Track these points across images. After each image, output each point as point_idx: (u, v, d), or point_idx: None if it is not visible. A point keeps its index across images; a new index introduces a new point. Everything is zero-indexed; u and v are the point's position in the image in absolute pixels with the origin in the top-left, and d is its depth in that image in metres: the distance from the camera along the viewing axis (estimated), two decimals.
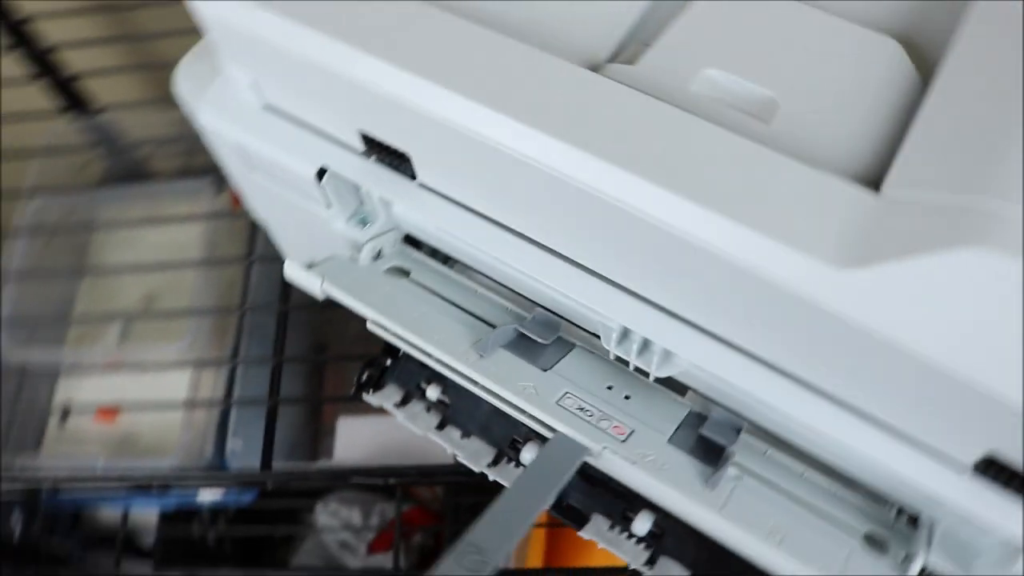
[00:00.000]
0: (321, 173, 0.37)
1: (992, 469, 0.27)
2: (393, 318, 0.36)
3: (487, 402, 0.41)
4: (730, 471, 0.33)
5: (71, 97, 0.85)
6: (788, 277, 0.25)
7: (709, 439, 0.33)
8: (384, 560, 1.05)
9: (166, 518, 1.03)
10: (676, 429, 0.34)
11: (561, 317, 0.37)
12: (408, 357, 0.42)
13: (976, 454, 0.27)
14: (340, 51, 0.31)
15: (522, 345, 0.36)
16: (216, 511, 1.09)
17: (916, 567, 0.31)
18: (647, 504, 0.38)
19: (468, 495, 0.94)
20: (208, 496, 0.94)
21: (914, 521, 0.33)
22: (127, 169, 0.88)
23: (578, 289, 0.32)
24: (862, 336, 0.25)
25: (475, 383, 0.33)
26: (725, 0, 0.33)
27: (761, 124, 0.29)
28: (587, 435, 0.31)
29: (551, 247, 0.33)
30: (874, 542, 0.32)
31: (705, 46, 0.31)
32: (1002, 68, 0.28)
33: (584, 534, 0.38)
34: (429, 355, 0.35)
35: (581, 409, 0.33)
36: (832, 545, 0.31)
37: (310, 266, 0.39)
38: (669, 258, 0.28)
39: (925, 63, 0.31)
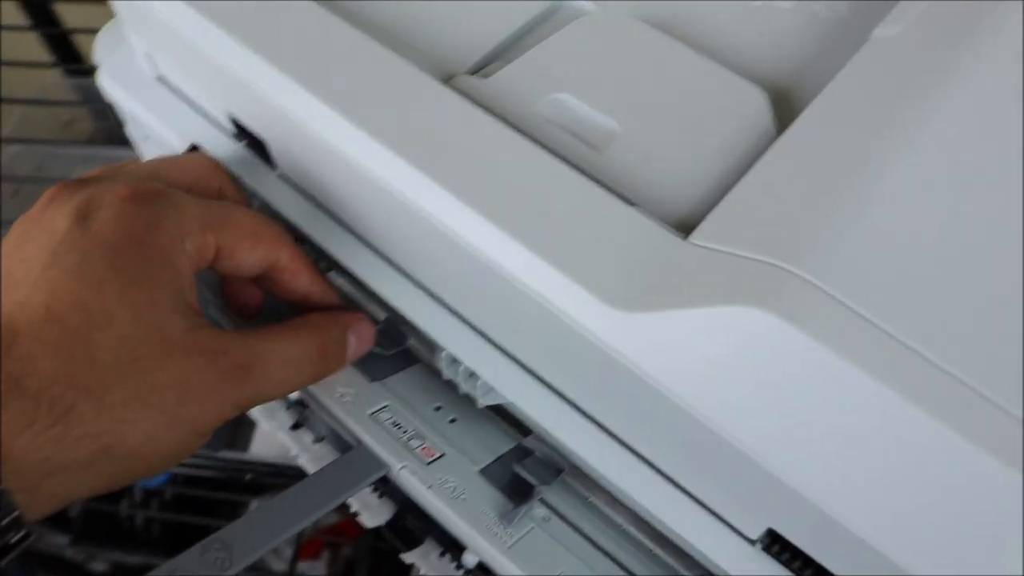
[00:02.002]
0: (192, 150, 0.36)
1: (776, 546, 0.26)
2: None
3: None
4: (539, 512, 0.31)
5: (65, 52, 0.86)
6: (567, 310, 0.24)
7: (521, 476, 0.32)
8: (310, 568, 1.04)
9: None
10: (494, 461, 0.33)
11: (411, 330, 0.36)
12: None
13: (759, 528, 0.26)
14: (202, 26, 0.31)
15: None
16: (149, 493, 1.08)
17: None
18: None
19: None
20: None
21: None
22: (112, 133, 0.88)
23: (407, 303, 0.31)
24: (639, 382, 0.24)
25: None
26: (601, 30, 0.32)
27: (593, 152, 0.28)
28: (390, 452, 0.30)
29: (383, 253, 0.32)
30: None
31: (564, 70, 0.30)
32: (849, 131, 0.27)
33: (408, 557, 0.37)
34: None
35: (395, 425, 0.32)
36: None
37: None
38: (474, 277, 0.27)
39: (792, 118, 0.30)
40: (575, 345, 0.25)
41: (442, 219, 0.26)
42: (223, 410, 0.26)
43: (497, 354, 0.30)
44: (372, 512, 0.38)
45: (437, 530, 0.37)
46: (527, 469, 0.31)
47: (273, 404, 0.41)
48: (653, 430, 0.26)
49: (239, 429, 0.96)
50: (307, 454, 0.39)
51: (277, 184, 0.34)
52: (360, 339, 0.31)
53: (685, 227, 0.26)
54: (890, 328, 0.21)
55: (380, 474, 0.30)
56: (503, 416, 0.34)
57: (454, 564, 0.37)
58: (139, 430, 0.24)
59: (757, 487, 0.23)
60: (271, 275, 0.30)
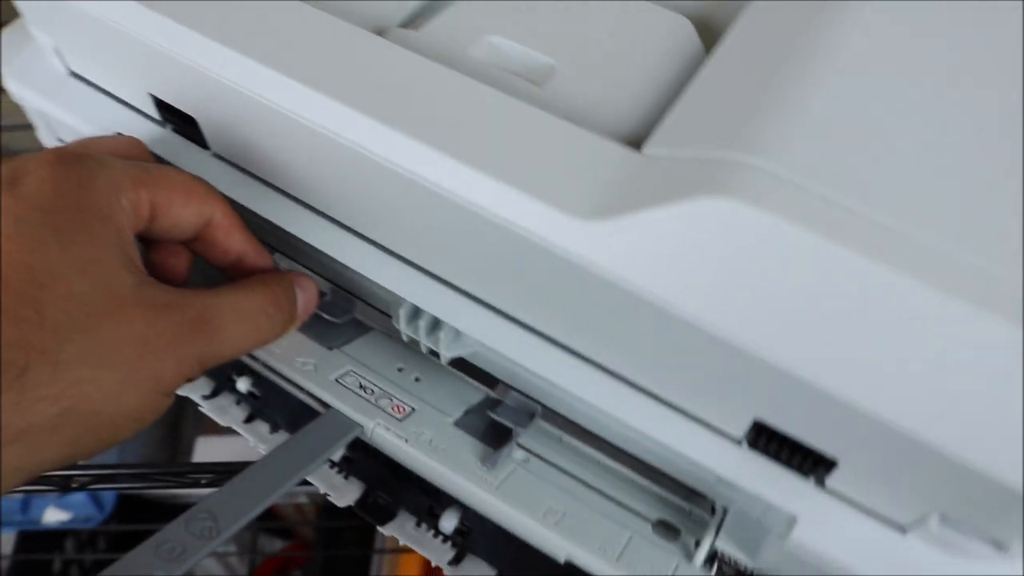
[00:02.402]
0: None
1: (763, 439, 0.26)
2: None
3: (294, 397, 0.39)
4: (517, 454, 0.31)
5: None
6: (534, 229, 0.24)
7: (497, 422, 0.32)
8: None
9: (25, 540, 0.97)
10: (465, 412, 0.33)
11: (358, 298, 0.35)
12: None
13: (744, 423, 0.26)
14: (121, 4, 0.30)
15: (314, 325, 0.34)
16: (93, 534, 1.03)
17: (702, 553, 0.30)
18: (454, 501, 0.37)
19: (342, 518, 0.91)
20: (54, 516, 0.89)
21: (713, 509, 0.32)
22: None
23: (359, 260, 0.31)
24: (612, 291, 0.24)
25: (255, 360, 0.32)
26: None
27: (534, 88, 0.28)
28: (362, 412, 0.30)
29: (332, 216, 0.31)
30: (667, 528, 0.31)
31: (492, 16, 0.31)
32: (774, 38, 0.28)
33: (386, 530, 0.36)
34: None
35: (361, 387, 0.32)
36: (614, 528, 0.30)
37: None
38: (435, 218, 0.27)
39: (716, 41, 0.31)
40: (543, 268, 0.25)
41: (398, 160, 0.26)
42: (183, 366, 0.25)
43: (460, 297, 0.30)
44: (340, 492, 0.37)
45: (410, 501, 0.37)
46: (502, 415, 0.32)
47: (225, 401, 0.40)
48: (630, 344, 0.26)
49: (179, 443, 0.92)
50: (266, 444, 0.38)
51: (212, 163, 0.33)
52: (307, 294, 0.30)
53: (635, 143, 0.26)
54: (848, 201, 0.22)
55: (353, 434, 0.29)
56: (467, 371, 0.34)
57: (431, 532, 0.36)
58: (99, 389, 0.23)
59: (741, 377, 0.24)
60: (206, 234, 0.29)
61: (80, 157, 0.25)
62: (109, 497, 0.98)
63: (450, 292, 0.30)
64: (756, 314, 0.23)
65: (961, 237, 0.22)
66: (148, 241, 0.29)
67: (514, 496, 0.29)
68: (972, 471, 0.21)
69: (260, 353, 0.32)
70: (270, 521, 1.11)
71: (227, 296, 0.27)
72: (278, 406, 0.39)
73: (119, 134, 0.35)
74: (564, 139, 0.26)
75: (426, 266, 0.30)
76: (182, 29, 0.29)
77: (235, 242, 0.29)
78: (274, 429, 0.39)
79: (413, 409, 0.31)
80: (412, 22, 0.32)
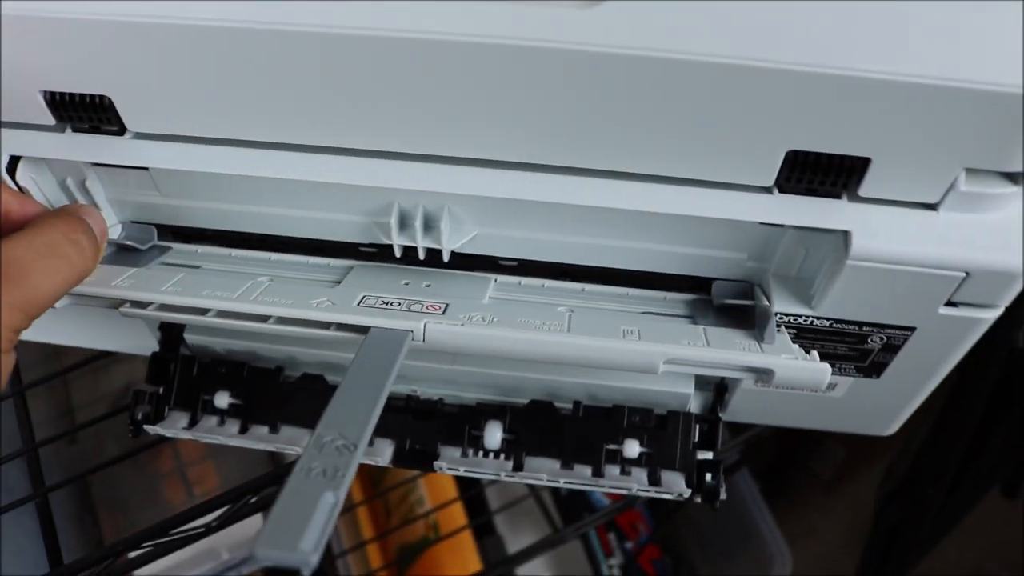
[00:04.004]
0: (13, 165, 0.31)
1: (796, 172, 0.28)
2: (155, 291, 0.30)
3: (283, 384, 0.36)
4: (559, 308, 0.31)
5: None
6: (539, 32, 0.25)
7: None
8: None
9: None
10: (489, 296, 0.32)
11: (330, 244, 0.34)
12: (183, 373, 0.37)
13: (775, 164, 0.27)
14: None
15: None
16: None
17: (772, 324, 0.30)
18: (489, 414, 0.35)
19: None
20: None
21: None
22: None
23: (340, 172, 0.29)
24: (634, 72, 0.25)
25: (263, 320, 0.29)
26: None
27: None
28: (401, 321, 0.28)
29: (293, 141, 0.29)
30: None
31: None
32: None
33: (440, 469, 0.35)
34: (204, 312, 0.29)
35: (386, 304, 0.30)
36: (686, 327, 0.31)
37: None
38: (433, 78, 0.26)
39: None
40: (558, 84, 0.25)
41: (391, 28, 0.25)
42: (10, 318, 0.25)
43: (453, 167, 0.29)
44: (374, 454, 0.35)
45: (443, 435, 0.35)
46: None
47: (208, 423, 0.36)
48: (652, 129, 0.27)
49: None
50: (276, 444, 0.35)
51: (136, 145, 0.30)
52: (94, 220, 0.30)
53: None
54: None
55: (407, 343, 0.28)
56: (466, 267, 0.34)
57: (480, 453, 0.35)
58: None
59: (776, 107, 0.25)
60: None
61: None
62: None
63: (441, 166, 0.29)
64: (779, 30, 0.24)
65: None
66: None
67: (587, 332, 0.28)
68: (987, 93, 0.24)
69: (263, 309, 0.29)
70: None
71: (21, 238, 0.26)
72: (267, 403, 0.36)
73: (16, 158, 0.31)
74: None
75: (411, 148, 0.29)
76: None
77: None
78: (273, 429, 0.36)
79: (447, 304, 0.30)
80: None
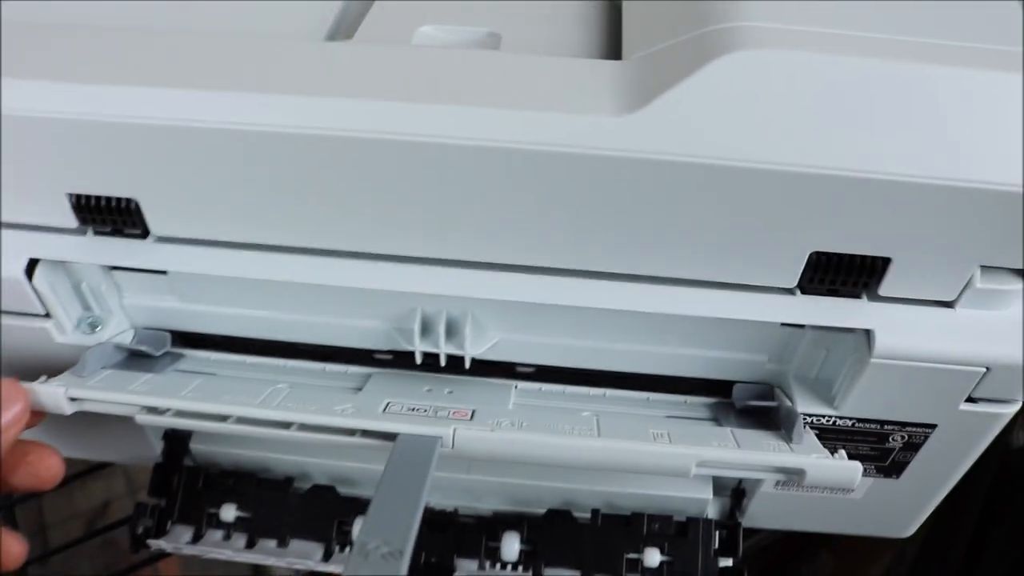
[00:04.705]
0: (31, 267, 0.30)
1: (819, 273, 0.28)
2: (174, 397, 0.29)
3: (292, 497, 0.35)
4: (585, 413, 0.31)
5: None
6: (582, 141, 0.25)
7: None
8: None
9: None
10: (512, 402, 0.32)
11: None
12: (188, 485, 0.36)
13: (798, 265, 0.28)
14: (41, 90, 0.27)
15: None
16: None
17: (799, 424, 0.30)
18: (506, 525, 0.35)
19: None
20: None
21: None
22: None
23: (364, 277, 0.29)
24: (661, 176, 0.26)
25: (285, 427, 0.28)
26: None
27: (493, 51, 0.29)
28: (430, 427, 0.27)
29: (317, 246, 0.30)
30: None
31: (409, 16, 0.32)
32: None
33: None
34: (225, 418, 0.28)
35: (412, 410, 0.29)
36: (712, 429, 0.30)
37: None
38: (462, 181, 0.27)
39: None
40: (580, 185, 0.26)
41: (419, 129, 0.26)
42: None
43: (486, 273, 0.29)
44: None
45: (458, 547, 0.34)
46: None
47: (213, 537, 0.35)
48: (681, 230, 0.27)
49: None
50: (286, 559, 0.34)
51: (158, 249, 0.30)
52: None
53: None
54: (832, 29, 0.26)
55: (437, 448, 0.27)
56: (486, 374, 0.33)
57: (498, 565, 0.34)
58: None
59: (801, 210, 0.26)
60: None
61: None
62: None
63: (468, 271, 0.30)
64: (807, 136, 0.25)
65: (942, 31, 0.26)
66: None
67: (617, 436, 0.28)
68: (991, 192, 0.25)
69: (285, 415, 0.28)
70: None
71: None
72: (275, 517, 0.35)
73: (35, 260, 0.30)
74: (553, 67, 0.27)
75: (439, 254, 0.29)
76: (129, 89, 0.27)
77: None
78: (282, 543, 0.35)
79: (473, 410, 0.29)
80: (336, 37, 0.32)
